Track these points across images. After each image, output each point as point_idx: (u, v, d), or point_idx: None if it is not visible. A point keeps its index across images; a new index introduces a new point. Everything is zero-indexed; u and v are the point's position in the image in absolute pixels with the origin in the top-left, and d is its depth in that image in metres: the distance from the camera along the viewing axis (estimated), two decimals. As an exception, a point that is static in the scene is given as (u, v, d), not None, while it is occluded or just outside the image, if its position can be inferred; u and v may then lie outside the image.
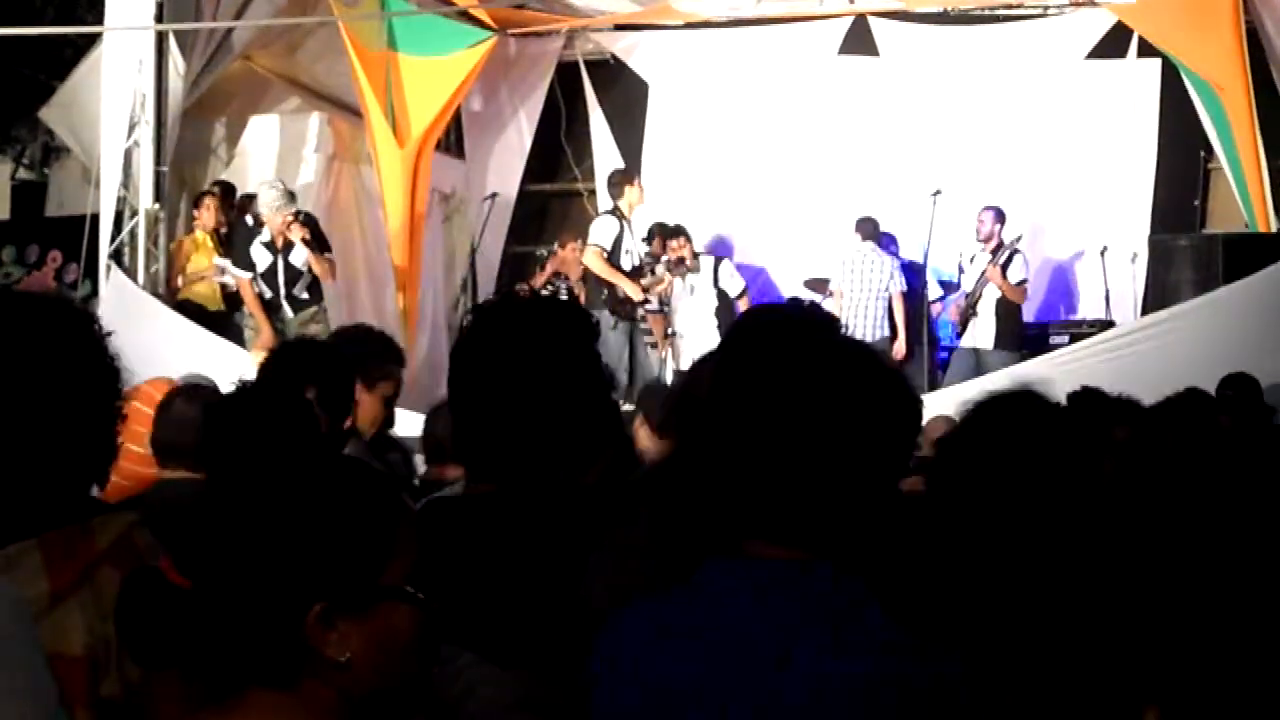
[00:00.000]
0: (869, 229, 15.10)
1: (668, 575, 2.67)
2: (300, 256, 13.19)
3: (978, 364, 13.98)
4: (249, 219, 13.61)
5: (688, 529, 2.82)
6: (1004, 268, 14.29)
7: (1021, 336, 14.38)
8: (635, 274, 14.10)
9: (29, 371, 2.45)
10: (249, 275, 13.20)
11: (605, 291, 13.89)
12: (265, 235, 13.23)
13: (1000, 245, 14.43)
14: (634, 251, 14.18)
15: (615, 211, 14.23)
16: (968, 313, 14.44)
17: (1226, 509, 2.67)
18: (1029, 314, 14.96)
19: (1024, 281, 14.46)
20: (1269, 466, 2.75)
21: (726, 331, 4.19)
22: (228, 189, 14.73)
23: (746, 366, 2.66)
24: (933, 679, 2.45)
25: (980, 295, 14.42)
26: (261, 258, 13.22)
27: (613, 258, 13.93)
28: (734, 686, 2.47)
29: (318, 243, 13.32)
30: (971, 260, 14.84)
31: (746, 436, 2.54)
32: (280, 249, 13.20)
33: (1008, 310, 14.33)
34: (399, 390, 6.31)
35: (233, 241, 13.67)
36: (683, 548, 2.76)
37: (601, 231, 14.10)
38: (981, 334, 14.36)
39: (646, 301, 14.29)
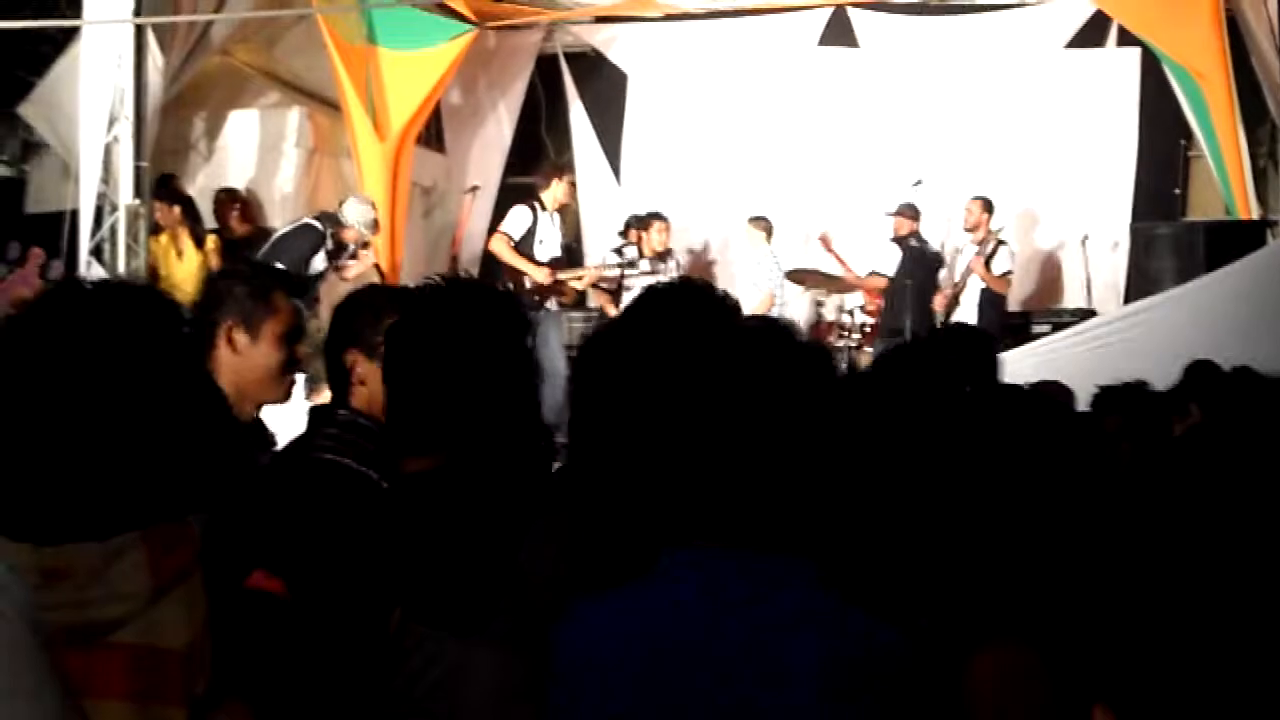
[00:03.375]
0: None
1: (620, 568, 2.67)
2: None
3: None
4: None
5: (637, 521, 2.84)
6: (988, 259, 14.31)
7: (1004, 327, 14.40)
8: (554, 264, 14.05)
9: (140, 364, 2.45)
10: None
11: (510, 282, 13.79)
12: (329, 244, 13.37)
13: (987, 236, 14.45)
14: (549, 242, 14.10)
15: (533, 202, 14.21)
16: (952, 303, 14.46)
17: (1182, 509, 2.68)
18: (1011, 303, 14.97)
19: (1008, 273, 14.47)
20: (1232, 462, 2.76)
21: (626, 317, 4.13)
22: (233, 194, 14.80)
23: (648, 358, 2.68)
24: (884, 657, 2.49)
25: (964, 286, 14.43)
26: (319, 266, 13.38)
27: (524, 247, 13.90)
28: (698, 680, 2.49)
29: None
30: (959, 251, 14.86)
31: (669, 436, 2.57)
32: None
33: (991, 301, 14.34)
34: None
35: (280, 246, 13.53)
36: (634, 539, 2.77)
37: (513, 221, 14.08)
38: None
39: (558, 290, 14.15)
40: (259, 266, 6.23)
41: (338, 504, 3.44)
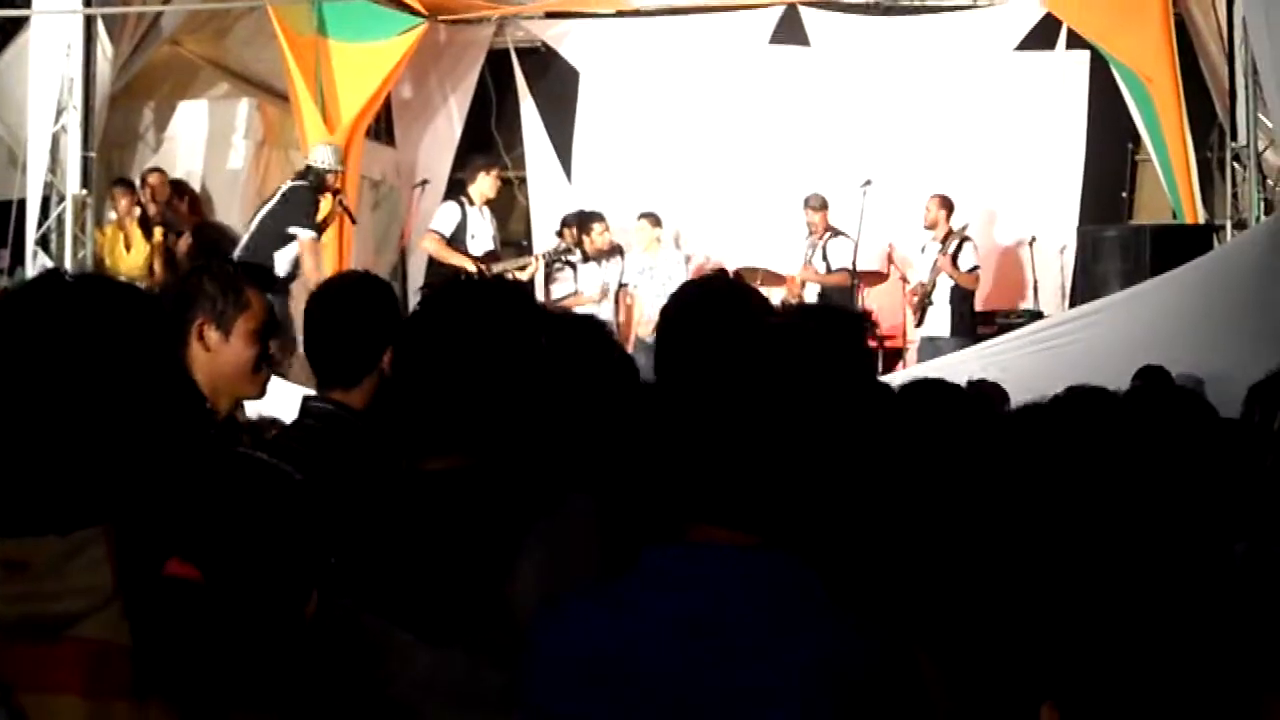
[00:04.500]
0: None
1: (609, 566, 2.67)
2: None
3: (935, 352, 13.99)
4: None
5: (630, 515, 2.83)
6: (954, 256, 14.38)
7: (975, 323, 14.41)
8: (488, 258, 14.18)
9: (111, 358, 2.44)
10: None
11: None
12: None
13: (950, 234, 14.52)
14: (480, 236, 14.26)
15: (460, 197, 14.44)
16: (924, 302, 14.54)
17: (1124, 504, 2.70)
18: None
19: (975, 268, 14.55)
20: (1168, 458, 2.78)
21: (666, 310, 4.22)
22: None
23: (685, 348, 2.67)
24: (872, 658, 2.47)
25: (934, 285, 14.50)
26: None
27: (454, 243, 14.09)
28: (682, 678, 2.46)
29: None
30: (923, 250, 14.92)
31: (689, 418, 2.55)
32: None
33: (961, 297, 14.43)
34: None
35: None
36: (626, 535, 2.77)
37: (441, 217, 14.37)
38: (937, 323, 14.45)
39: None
40: (230, 262, 6.26)
41: (248, 496, 3.43)
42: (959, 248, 14.43)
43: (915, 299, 14.71)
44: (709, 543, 2.53)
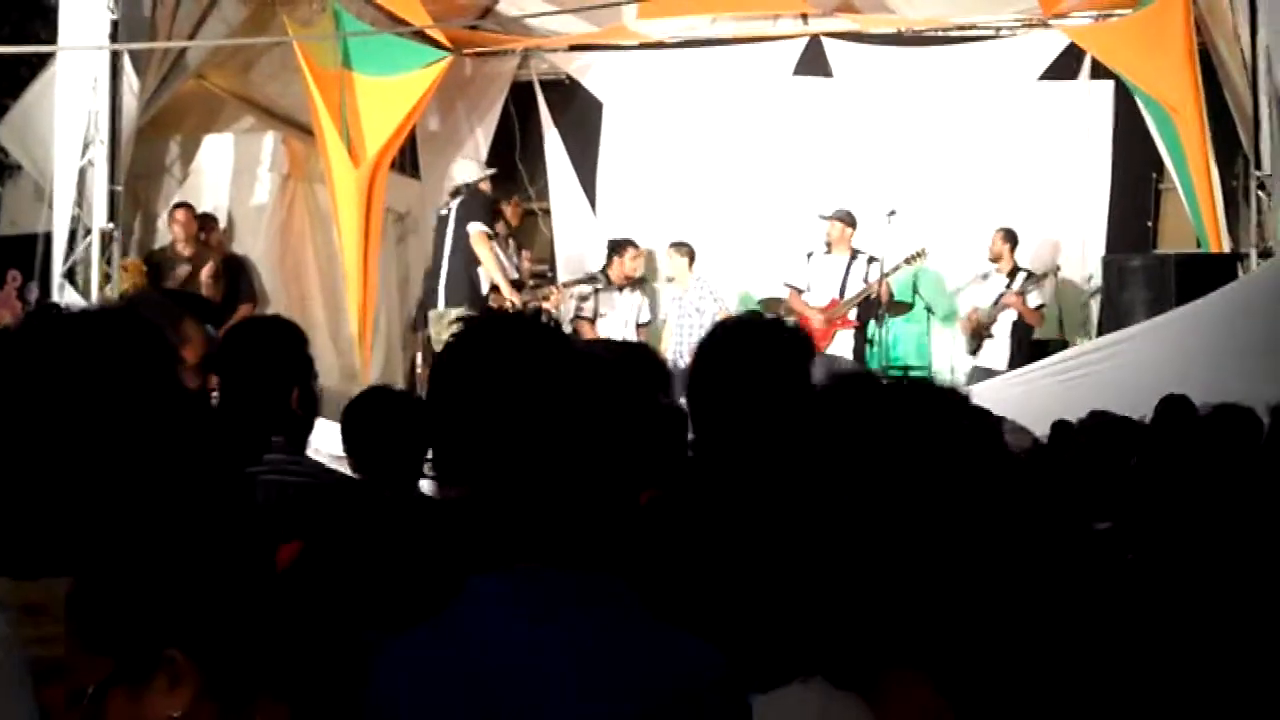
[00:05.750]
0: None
1: (426, 599, 2.66)
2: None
3: None
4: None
5: (443, 549, 2.83)
6: (1024, 293, 14.48)
7: (1033, 357, 14.41)
8: (513, 287, 14.27)
9: (122, 395, 2.44)
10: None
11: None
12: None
13: (1016, 269, 14.66)
14: (508, 267, 14.43)
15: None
16: (982, 333, 14.60)
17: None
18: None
19: (1042, 306, 14.69)
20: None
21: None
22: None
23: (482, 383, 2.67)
24: (703, 675, 2.49)
25: (995, 319, 14.56)
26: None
27: None
28: (514, 703, 2.44)
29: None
30: (985, 278, 14.99)
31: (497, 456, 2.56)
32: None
33: (1024, 334, 14.54)
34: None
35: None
36: (452, 568, 2.76)
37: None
38: (994, 355, 14.50)
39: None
40: (170, 293, 6.27)
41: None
42: (1027, 282, 14.54)
43: (970, 327, 14.77)
44: (527, 567, 2.52)
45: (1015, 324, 14.58)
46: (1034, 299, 14.66)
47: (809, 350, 4.30)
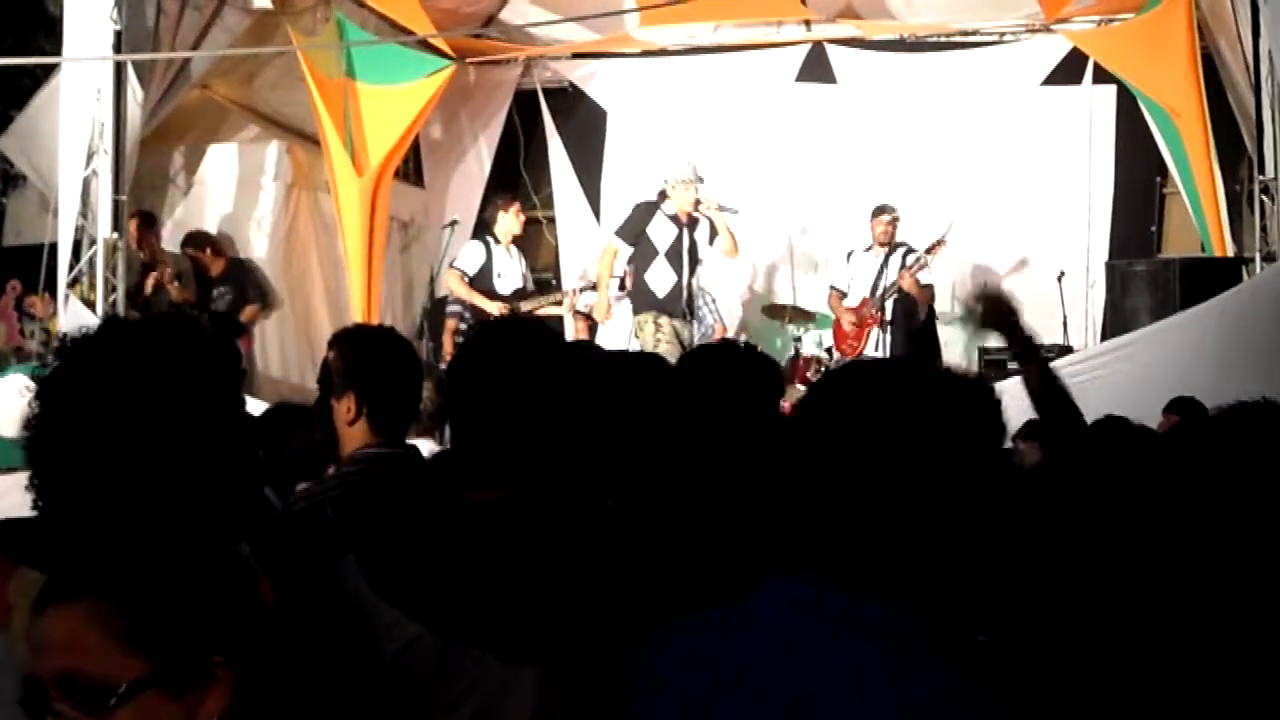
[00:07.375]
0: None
1: (715, 593, 2.66)
2: (704, 236, 13.98)
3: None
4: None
5: (744, 548, 2.83)
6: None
7: (984, 362, 14.45)
8: (517, 296, 14.17)
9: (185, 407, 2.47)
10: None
11: (474, 317, 13.93)
12: (669, 208, 13.95)
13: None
14: (508, 274, 14.26)
15: (485, 236, 14.47)
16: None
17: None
18: (989, 339, 15.01)
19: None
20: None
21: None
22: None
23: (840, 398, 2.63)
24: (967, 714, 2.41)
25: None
26: (667, 231, 13.95)
27: (481, 281, 14.08)
28: (775, 709, 2.45)
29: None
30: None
31: (834, 466, 2.53)
32: (685, 224, 13.94)
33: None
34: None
35: None
36: (735, 566, 2.77)
37: (466, 256, 14.38)
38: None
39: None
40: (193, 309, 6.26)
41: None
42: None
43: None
44: (824, 583, 2.50)
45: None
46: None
47: (777, 381, 4.59)
